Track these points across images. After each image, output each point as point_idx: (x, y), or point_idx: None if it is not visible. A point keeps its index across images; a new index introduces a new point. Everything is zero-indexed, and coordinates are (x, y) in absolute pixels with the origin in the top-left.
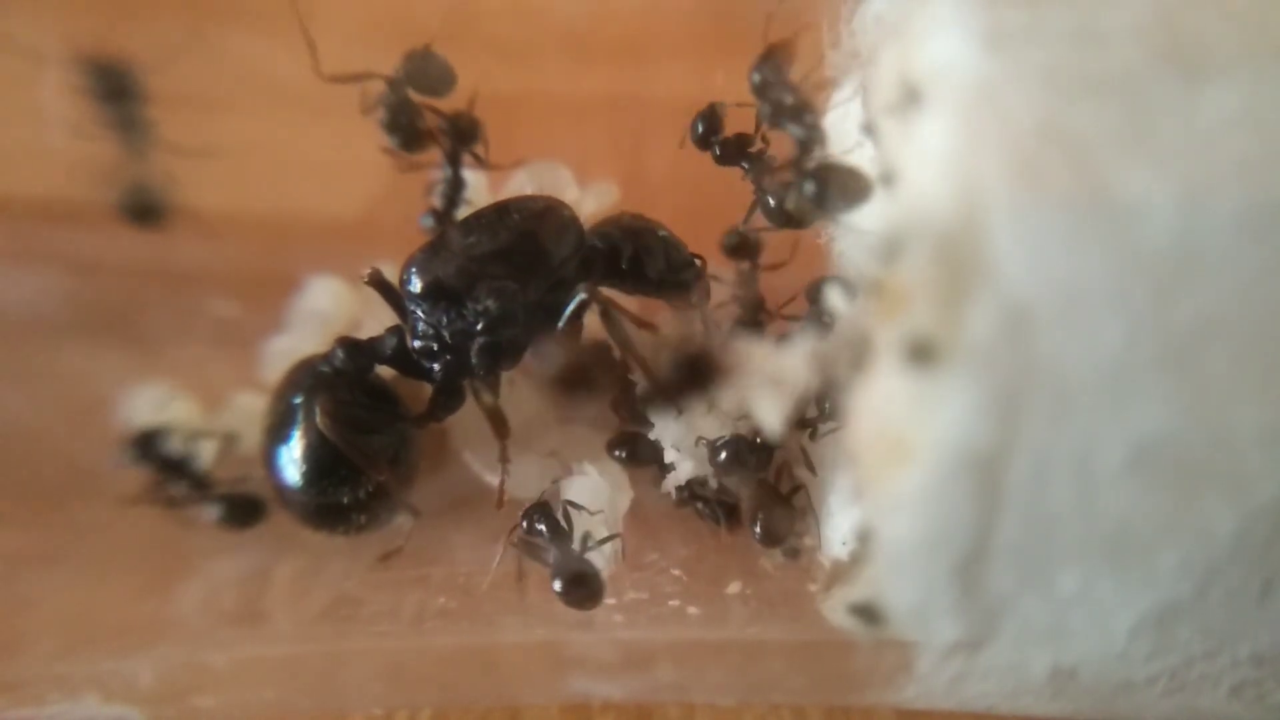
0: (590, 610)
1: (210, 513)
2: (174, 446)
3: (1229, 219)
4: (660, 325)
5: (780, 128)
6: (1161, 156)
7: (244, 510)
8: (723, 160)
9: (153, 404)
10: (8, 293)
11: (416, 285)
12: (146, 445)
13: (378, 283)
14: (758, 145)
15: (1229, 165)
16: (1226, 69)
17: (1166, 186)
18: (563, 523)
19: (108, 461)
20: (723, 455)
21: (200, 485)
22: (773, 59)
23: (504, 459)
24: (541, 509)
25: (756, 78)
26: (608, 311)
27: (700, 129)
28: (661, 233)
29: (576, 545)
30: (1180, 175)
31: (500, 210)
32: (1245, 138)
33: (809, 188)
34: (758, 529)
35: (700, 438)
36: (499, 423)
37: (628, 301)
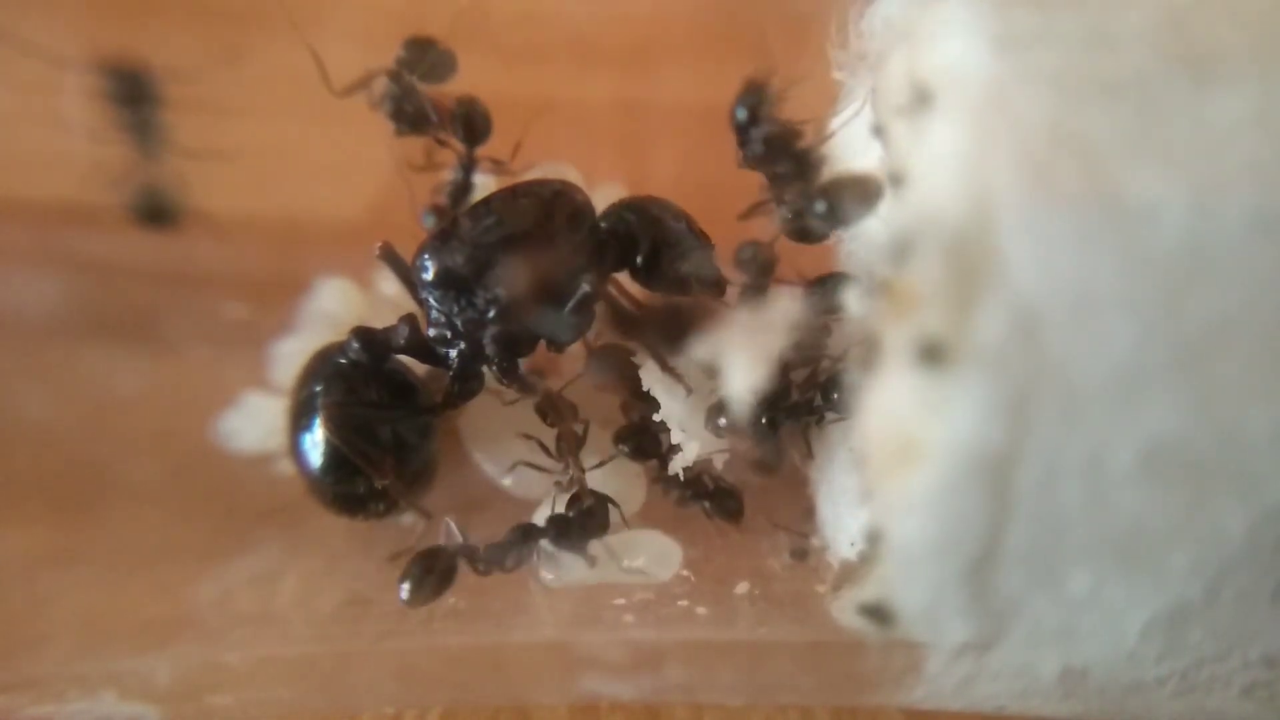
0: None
1: None
2: None
3: (1239, 221)
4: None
5: (773, 162)
6: (1172, 159)
7: None
8: (764, 156)
9: None
10: (23, 294)
11: (428, 273)
12: None
13: (388, 256)
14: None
15: (1239, 167)
16: (1236, 72)
17: (1177, 188)
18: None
19: None
20: (723, 420)
21: None
22: (756, 91)
23: (570, 442)
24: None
25: (742, 113)
26: (612, 305)
27: (745, 112)
28: (679, 223)
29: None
30: (1190, 177)
31: (510, 195)
32: (1255, 140)
33: (820, 206)
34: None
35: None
36: (559, 410)
37: (633, 288)
